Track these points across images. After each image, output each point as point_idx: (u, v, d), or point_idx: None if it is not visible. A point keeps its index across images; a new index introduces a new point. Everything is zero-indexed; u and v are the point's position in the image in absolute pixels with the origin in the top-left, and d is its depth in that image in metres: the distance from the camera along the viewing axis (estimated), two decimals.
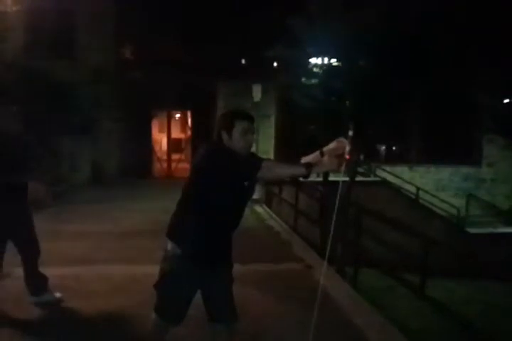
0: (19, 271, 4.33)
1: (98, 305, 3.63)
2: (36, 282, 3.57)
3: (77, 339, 3.11)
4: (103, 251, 5.20)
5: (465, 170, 13.91)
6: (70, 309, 3.57)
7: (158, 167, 13.94)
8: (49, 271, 3.70)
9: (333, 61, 9.83)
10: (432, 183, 13.56)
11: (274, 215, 7.98)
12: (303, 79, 10.27)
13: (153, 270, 2.44)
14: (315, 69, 10.01)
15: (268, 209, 8.53)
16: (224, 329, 2.39)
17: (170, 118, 14.62)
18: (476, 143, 13.95)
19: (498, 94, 11.77)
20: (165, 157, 14.44)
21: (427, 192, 12.72)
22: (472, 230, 11.18)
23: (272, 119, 12.84)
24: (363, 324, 3.45)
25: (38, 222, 5.32)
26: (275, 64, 12.40)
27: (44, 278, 3.60)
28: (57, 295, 3.64)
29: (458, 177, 13.89)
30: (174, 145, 15.21)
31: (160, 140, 16.57)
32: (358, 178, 10.66)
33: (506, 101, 12.92)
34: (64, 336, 3.14)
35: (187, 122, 16.15)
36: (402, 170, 13.28)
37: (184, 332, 2.80)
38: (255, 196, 7.91)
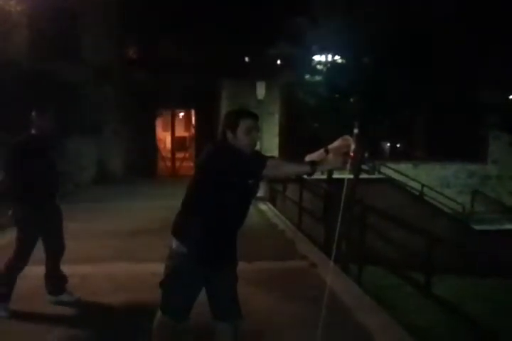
0: (25, 270, 4.37)
1: (103, 303, 3.65)
2: (56, 282, 3.62)
3: (82, 337, 3.13)
4: (108, 250, 5.21)
5: (470, 167, 13.85)
6: (75, 307, 3.58)
7: (163, 165, 13.96)
8: None
9: (337, 58, 9.81)
10: (437, 180, 13.52)
11: (278, 213, 7.98)
12: (307, 77, 10.25)
13: (159, 268, 2.44)
14: (319, 67, 10.00)
15: (272, 207, 8.53)
16: (228, 327, 2.40)
17: (174, 117, 14.64)
18: (481, 140, 13.88)
19: (503, 91, 11.69)
20: (169, 155, 14.46)
21: (431, 189, 12.67)
22: (478, 227, 11.14)
23: (276, 117, 12.83)
24: (368, 322, 3.44)
25: None
26: (279, 61, 12.38)
27: (64, 279, 3.65)
28: (76, 296, 3.68)
29: (463, 174, 13.83)
30: (178, 143, 15.25)
31: (164, 139, 16.60)
32: (362, 176, 10.63)
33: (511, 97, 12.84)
34: (69, 333, 3.16)
35: (191, 121, 16.18)
36: (407, 168, 13.24)
37: (189, 329, 2.81)
38: (259, 194, 7.91)
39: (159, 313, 2.39)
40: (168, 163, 14.11)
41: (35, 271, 3.99)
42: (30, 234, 3.39)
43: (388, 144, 16.04)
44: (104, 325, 3.30)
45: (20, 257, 3.39)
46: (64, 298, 3.63)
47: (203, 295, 2.39)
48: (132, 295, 3.81)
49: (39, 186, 3.33)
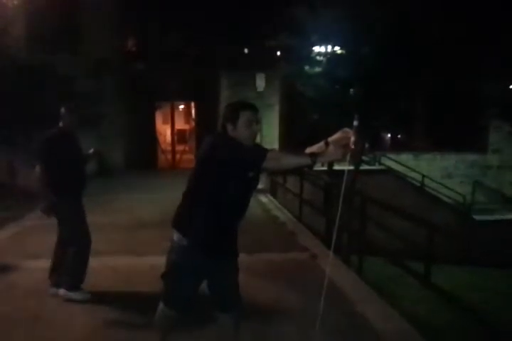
0: (28, 264, 4.40)
1: (104, 296, 3.68)
2: (61, 274, 3.67)
3: (84, 329, 3.16)
4: (109, 243, 5.23)
5: (471, 157, 13.84)
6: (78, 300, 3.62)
7: (163, 158, 13.95)
8: None
9: (337, 49, 9.76)
10: (438, 171, 13.52)
11: (278, 205, 8.00)
12: (306, 68, 10.20)
13: (160, 261, 2.46)
14: (318, 58, 9.94)
15: (273, 199, 8.54)
16: (229, 318, 2.43)
17: (173, 109, 14.58)
18: (482, 130, 13.85)
19: (504, 81, 11.64)
20: (169, 148, 14.44)
21: (432, 179, 12.68)
22: (478, 217, 11.17)
23: (276, 109, 12.77)
24: (369, 312, 3.47)
25: None
26: (278, 53, 12.31)
27: None
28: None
29: (464, 164, 13.83)
30: (178, 136, 15.18)
31: (164, 131, 16.56)
32: (363, 167, 10.64)
33: None
34: (72, 326, 3.19)
35: (191, 113, 16.12)
36: (407, 158, 13.24)
37: (190, 321, 2.84)
38: (260, 186, 7.91)
39: (161, 305, 2.42)
40: (169, 156, 14.10)
41: (37, 265, 4.04)
42: (73, 217, 3.56)
43: (389, 135, 16.03)
44: (105, 317, 3.33)
45: (79, 241, 3.57)
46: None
47: (204, 287, 2.41)
48: (133, 288, 3.85)
49: (72, 179, 3.55)
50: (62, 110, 3.57)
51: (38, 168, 3.45)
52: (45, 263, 3.78)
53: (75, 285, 3.59)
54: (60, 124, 3.59)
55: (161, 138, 15.05)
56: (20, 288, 3.80)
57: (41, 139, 3.52)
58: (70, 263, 3.57)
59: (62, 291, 3.61)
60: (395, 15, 7.79)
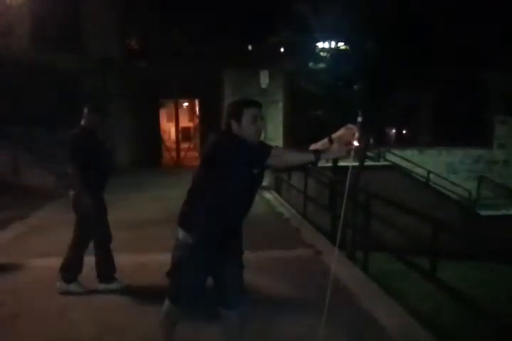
0: (35, 262, 4.44)
1: (111, 293, 3.70)
2: (71, 270, 3.74)
3: (90, 326, 3.18)
4: (115, 240, 5.24)
5: (476, 152, 13.76)
6: (83, 297, 3.65)
7: (168, 156, 13.99)
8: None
9: (341, 45, 9.72)
10: (443, 166, 13.45)
11: (283, 201, 8.00)
12: (310, 64, 10.17)
13: (165, 258, 2.48)
14: (322, 54, 9.90)
15: (277, 196, 8.55)
16: (234, 315, 2.44)
17: (177, 107, 14.60)
18: (487, 125, 13.76)
19: (509, 75, 11.54)
20: (174, 146, 14.47)
21: (437, 175, 12.62)
22: (484, 212, 11.11)
23: (280, 105, 12.75)
24: (374, 308, 3.48)
25: (52, 212, 5.40)
26: (282, 49, 12.27)
27: (79, 269, 3.75)
28: (84, 287, 3.76)
29: (469, 159, 13.75)
30: (183, 134, 15.18)
31: (168, 129, 16.59)
32: (368, 163, 10.62)
33: None
34: (78, 323, 3.22)
35: (195, 111, 16.12)
36: (412, 154, 13.18)
37: (196, 318, 2.85)
38: (264, 183, 7.90)
39: (167, 302, 2.44)
40: (173, 154, 14.13)
41: (44, 263, 4.08)
42: (97, 214, 3.74)
43: (393, 130, 15.95)
44: (110, 315, 3.35)
45: (101, 235, 3.79)
46: (72, 287, 3.70)
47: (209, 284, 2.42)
48: (139, 285, 3.87)
49: (98, 177, 3.70)
50: (85, 110, 3.65)
51: (69, 169, 3.55)
52: (52, 262, 3.81)
53: (110, 276, 3.77)
54: (82, 123, 3.67)
55: (165, 136, 15.07)
56: (29, 287, 3.83)
57: (67, 140, 3.61)
58: (97, 259, 3.73)
59: (101, 286, 3.74)
60: (400, 10, 7.74)
